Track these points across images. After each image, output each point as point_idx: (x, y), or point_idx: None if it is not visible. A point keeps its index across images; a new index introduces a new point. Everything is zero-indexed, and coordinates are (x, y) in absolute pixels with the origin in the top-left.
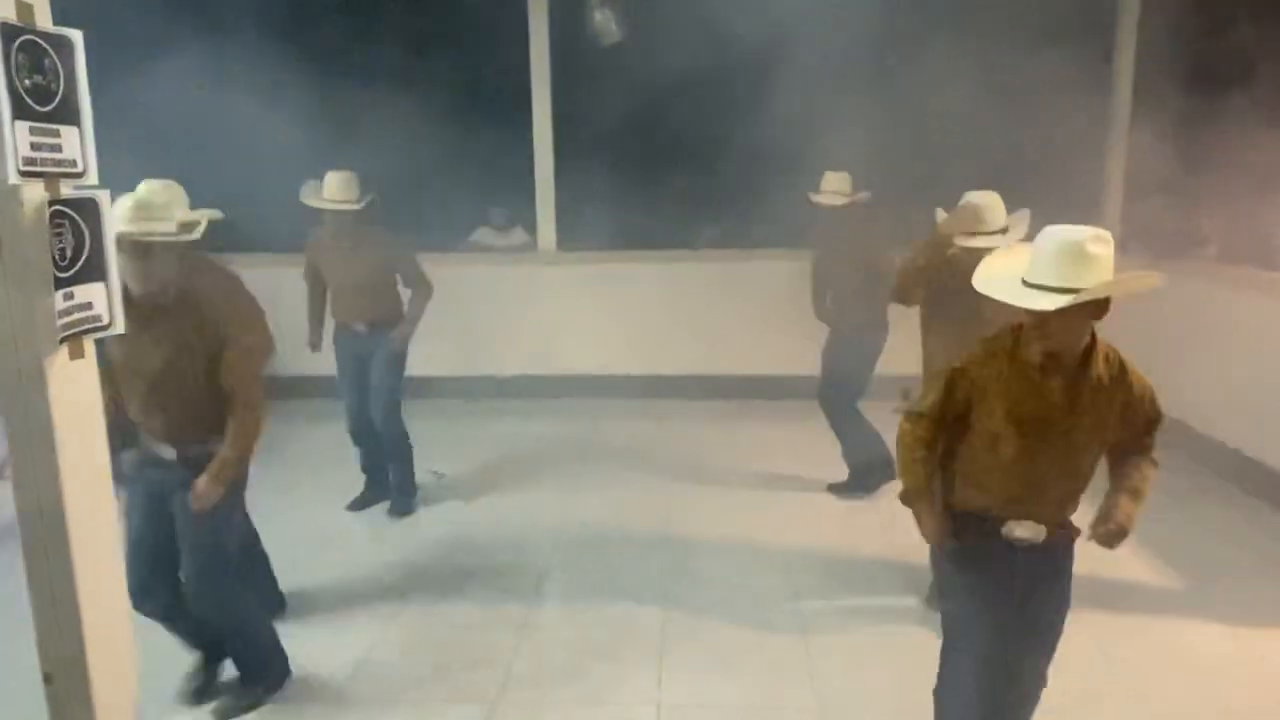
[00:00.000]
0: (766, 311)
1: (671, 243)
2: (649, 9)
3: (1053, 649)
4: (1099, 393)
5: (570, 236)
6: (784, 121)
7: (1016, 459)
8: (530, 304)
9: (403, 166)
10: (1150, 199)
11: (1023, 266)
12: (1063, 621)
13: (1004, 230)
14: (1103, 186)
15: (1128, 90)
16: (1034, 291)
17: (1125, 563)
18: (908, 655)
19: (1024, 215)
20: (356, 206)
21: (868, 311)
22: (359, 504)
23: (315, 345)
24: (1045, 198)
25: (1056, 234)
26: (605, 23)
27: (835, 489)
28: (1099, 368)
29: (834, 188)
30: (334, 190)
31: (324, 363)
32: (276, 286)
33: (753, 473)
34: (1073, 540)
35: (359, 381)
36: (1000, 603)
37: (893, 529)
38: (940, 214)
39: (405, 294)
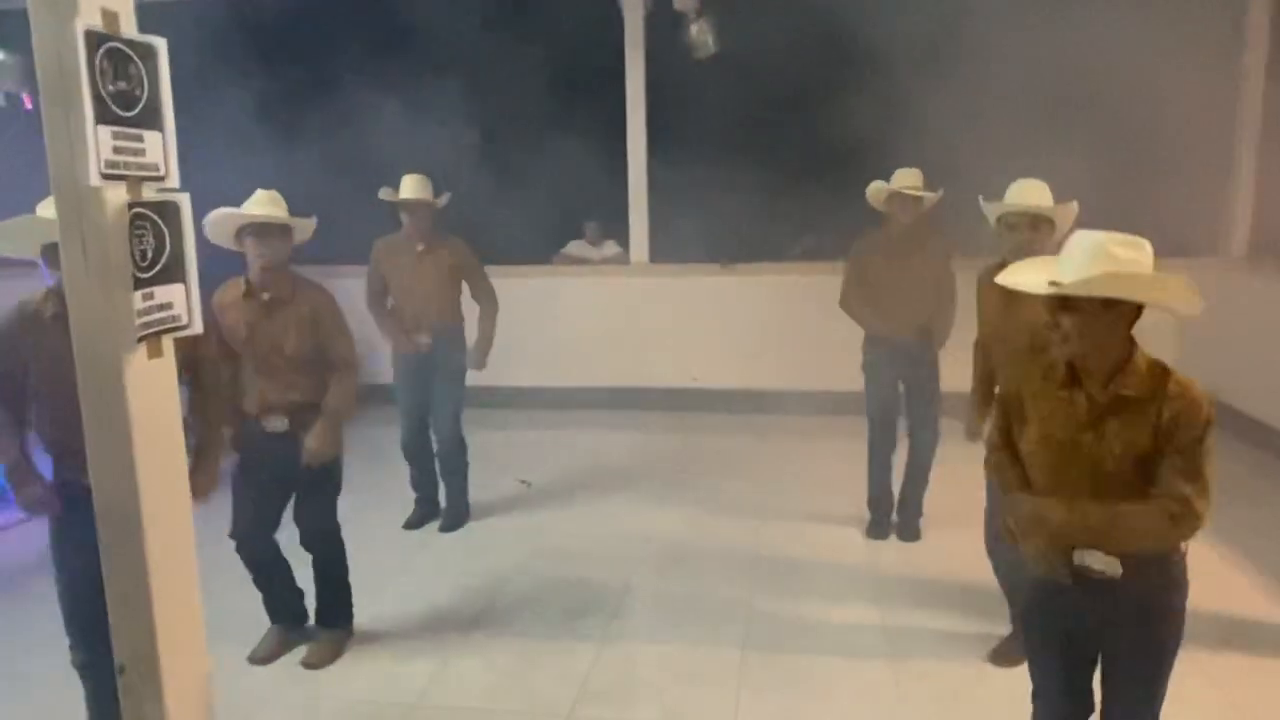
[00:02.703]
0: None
1: (765, 255)
2: (744, 22)
3: (1146, 698)
4: (1128, 409)
5: (664, 249)
6: (879, 130)
7: (1054, 482)
8: (622, 316)
9: (499, 180)
10: None
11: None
12: (1155, 668)
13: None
14: (1231, 193)
15: (1259, 87)
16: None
17: (1242, 595)
18: (1003, 687)
19: (1071, 207)
20: (439, 202)
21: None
22: (413, 523)
23: (421, 344)
24: (1169, 205)
25: (1082, 233)
26: (700, 35)
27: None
28: (1130, 381)
29: (907, 183)
30: (412, 189)
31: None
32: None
33: (845, 491)
34: (1167, 578)
35: (418, 395)
36: (1061, 638)
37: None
38: (983, 203)
39: (468, 311)
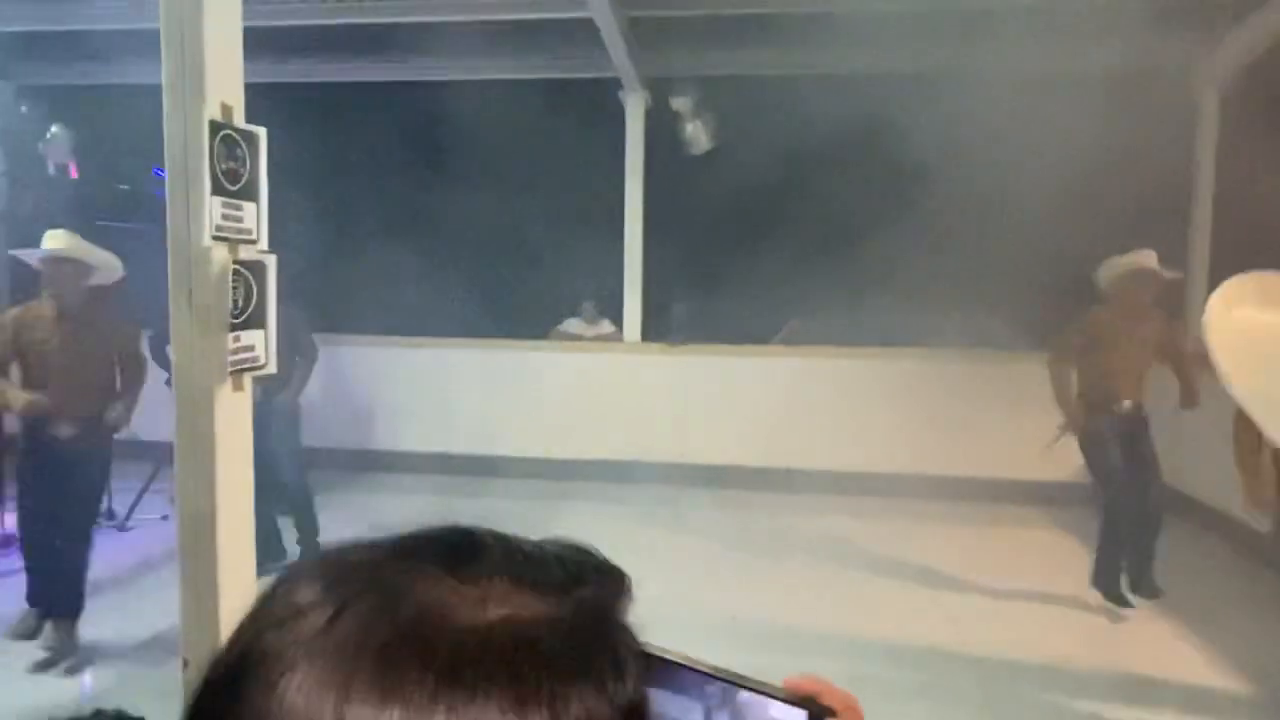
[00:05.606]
0: (844, 405)
1: (754, 337)
2: (737, 121)
3: None
4: None
5: (660, 330)
6: (864, 222)
7: None
8: (614, 392)
9: (504, 260)
10: (1246, 251)
11: None
12: None
13: None
14: (1189, 242)
15: (1213, 132)
16: None
17: (1193, 665)
18: None
19: None
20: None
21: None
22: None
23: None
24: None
25: None
26: (696, 133)
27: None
28: None
29: (1146, 263)
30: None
31: None
32: None
33: (834, 558)
34: None
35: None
36: None
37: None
38: None
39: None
